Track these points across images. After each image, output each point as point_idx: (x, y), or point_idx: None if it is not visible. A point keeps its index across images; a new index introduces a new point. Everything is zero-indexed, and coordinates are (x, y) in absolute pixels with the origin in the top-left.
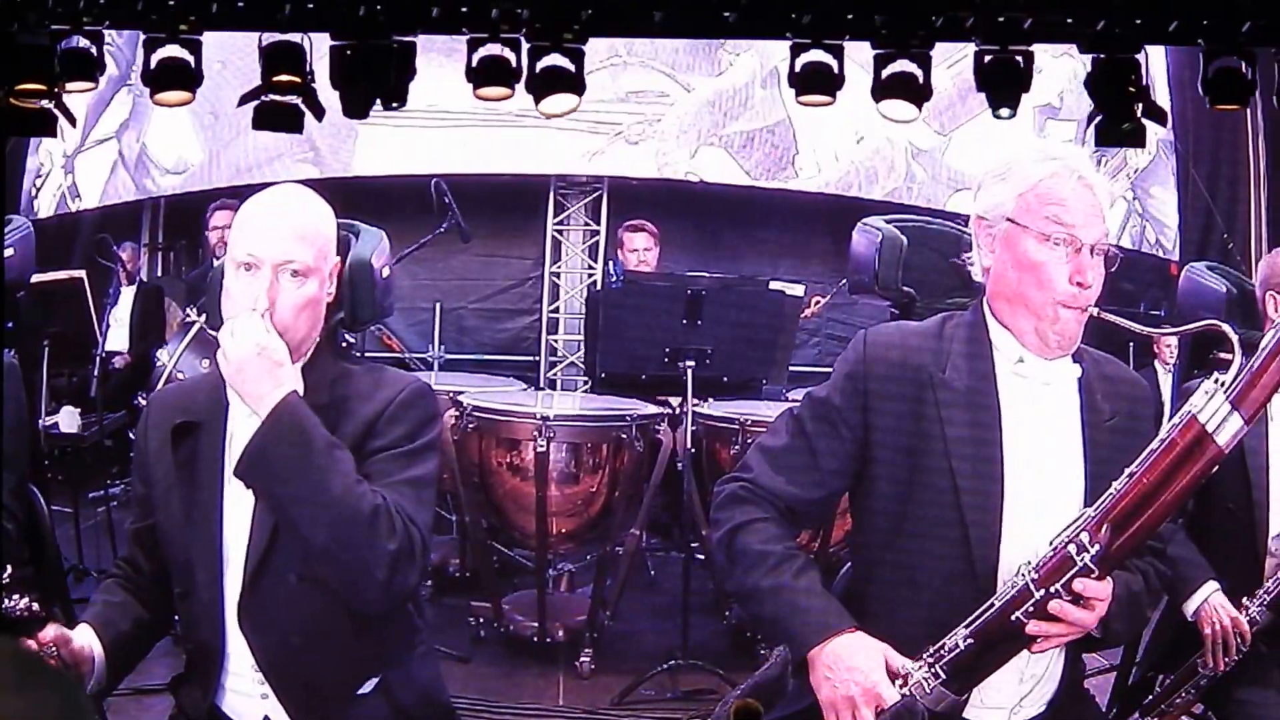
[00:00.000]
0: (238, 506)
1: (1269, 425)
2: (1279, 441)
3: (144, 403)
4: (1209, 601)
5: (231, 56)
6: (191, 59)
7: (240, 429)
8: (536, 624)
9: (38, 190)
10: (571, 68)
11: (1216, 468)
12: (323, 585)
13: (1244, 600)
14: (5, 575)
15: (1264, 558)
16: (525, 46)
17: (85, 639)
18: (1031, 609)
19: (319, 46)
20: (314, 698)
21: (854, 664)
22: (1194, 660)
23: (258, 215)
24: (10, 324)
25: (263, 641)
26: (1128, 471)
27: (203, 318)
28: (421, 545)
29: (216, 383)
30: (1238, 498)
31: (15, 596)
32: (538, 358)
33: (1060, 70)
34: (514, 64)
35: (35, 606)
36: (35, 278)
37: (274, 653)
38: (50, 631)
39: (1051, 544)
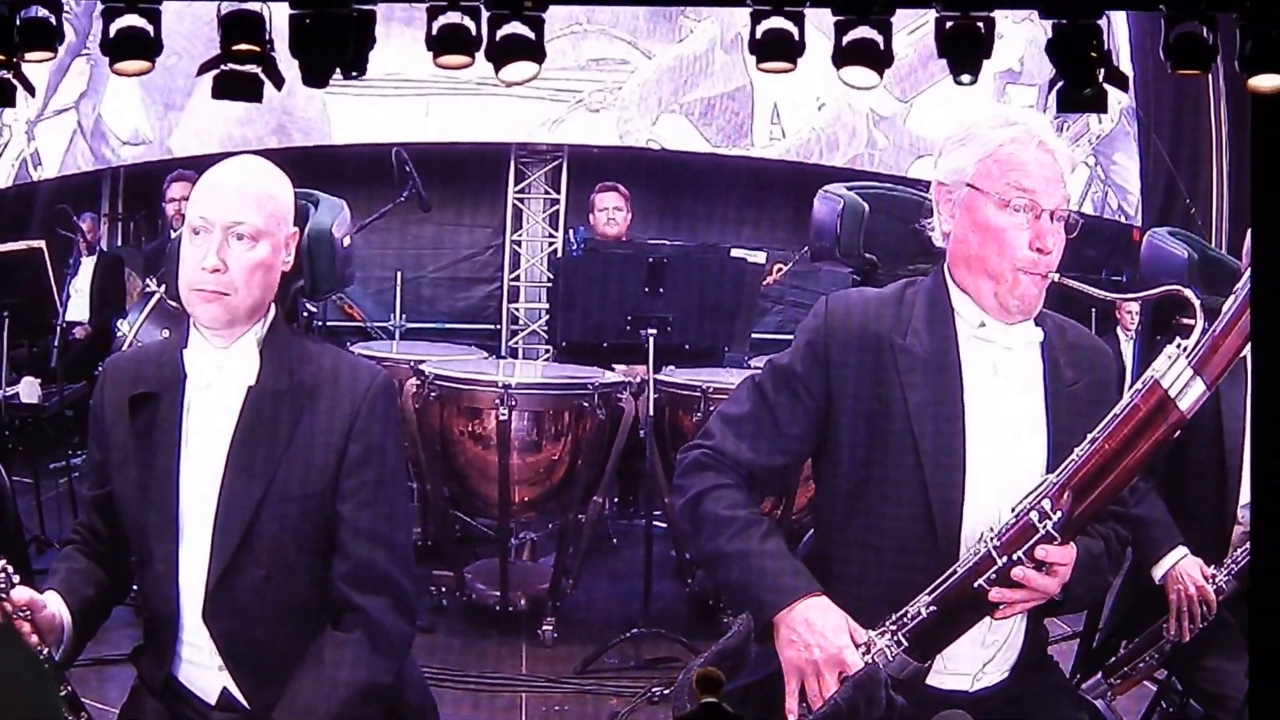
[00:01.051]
0: (195, 477)
1: (1247, 391)
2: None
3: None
4: (1178, 567)
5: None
6: (150, 28)
7: (197, 400)
8: (499, 593)
9: None
10: (532, 35)
11: (1185, 432)
12: (291, 579)
13: (1210, 569)
14: None
15: (1232, 525)
16: (485, 14)
17: (55, 605)
18: (994, 576)
19: (278, 16)
20: (274, 682)
21: (819, 629)
22: (1159, 625)
23: (210, 182)
24: None
25: (227, 632)
26: (1090, 437)
27: (162, 288)
28: (409, 588)
29: (174, 352)
30: (1210, 463)
31: None
32: (499, 326)
33: (1021, 35)
34: (474, 32)
35: (9, 569)
36: None
37: (237, 642)
38: (23, 595)
39: (1014, 511)
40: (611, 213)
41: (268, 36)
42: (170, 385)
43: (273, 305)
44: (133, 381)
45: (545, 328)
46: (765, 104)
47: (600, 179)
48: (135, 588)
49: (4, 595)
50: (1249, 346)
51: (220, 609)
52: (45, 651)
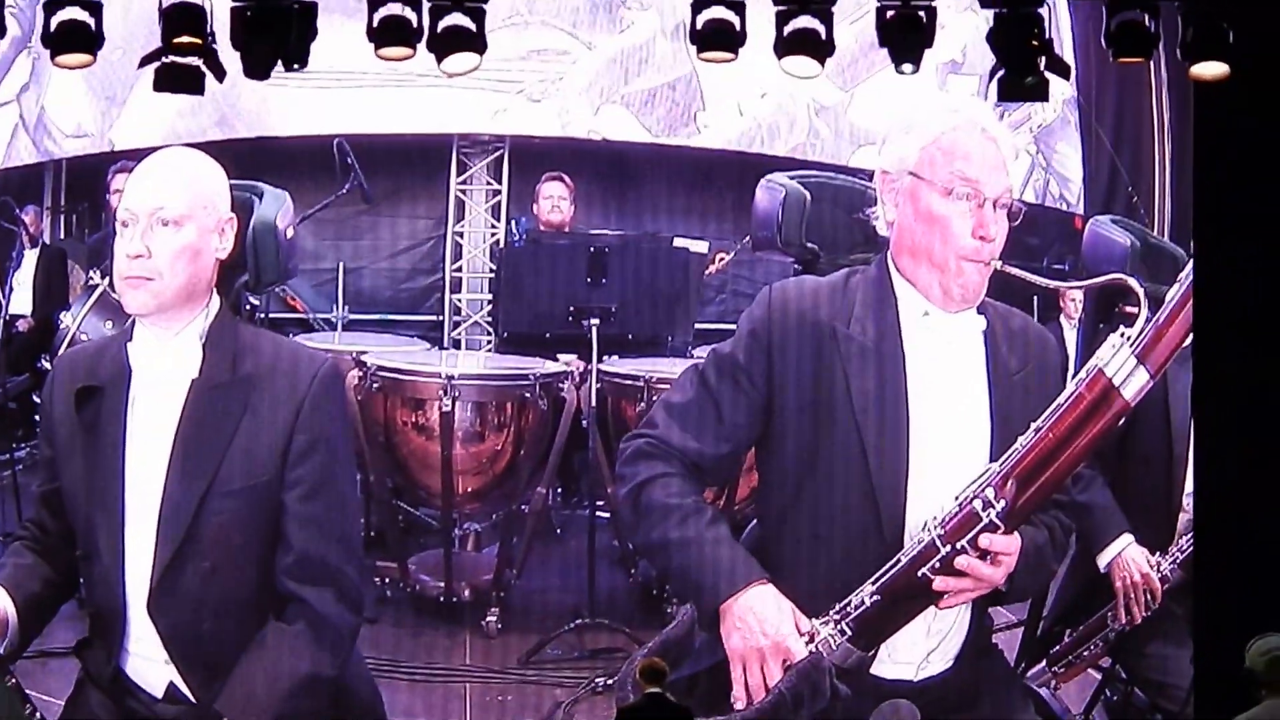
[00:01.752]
0: (140, 471)
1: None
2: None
3: (48, 366)
4: (1123, 554)
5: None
6: (92, 21)
7: (142, 394)
8: (443, 584)
9: None
10: (473, 26)
11: (1133, 420)
12: (236, 571)
13: (1156, 557)
14: None
15: (1178, 514)
16: (426, 6)
17: (0, 601)
18: (938, 565)
19: (220, 8)
20: (221, 675)
21: (764, 617)
22: (1103, 613)
23: (137, 174)
24: None
25: (172, 625)
26: (1033, 426)
27: (106, 280)
28: (355, 579)
29: (120, 347)
30: (1157, 451)
31: None
32: (441, 317)
33: (963, 25)
34: (415, 23)
35: None
36: None
37: (183, 635)
38: None
39: (957, 499)
40: (556, 201)
41: (209, 29)
42: (115, 379)
43: (215, 297)
44: (80, 376)
45: (488, 318)
46: (708, 93)
47: (542, 169)
48: (81, 581)
49: None
50: (1192, 335)
51: (166, 602)
52: None
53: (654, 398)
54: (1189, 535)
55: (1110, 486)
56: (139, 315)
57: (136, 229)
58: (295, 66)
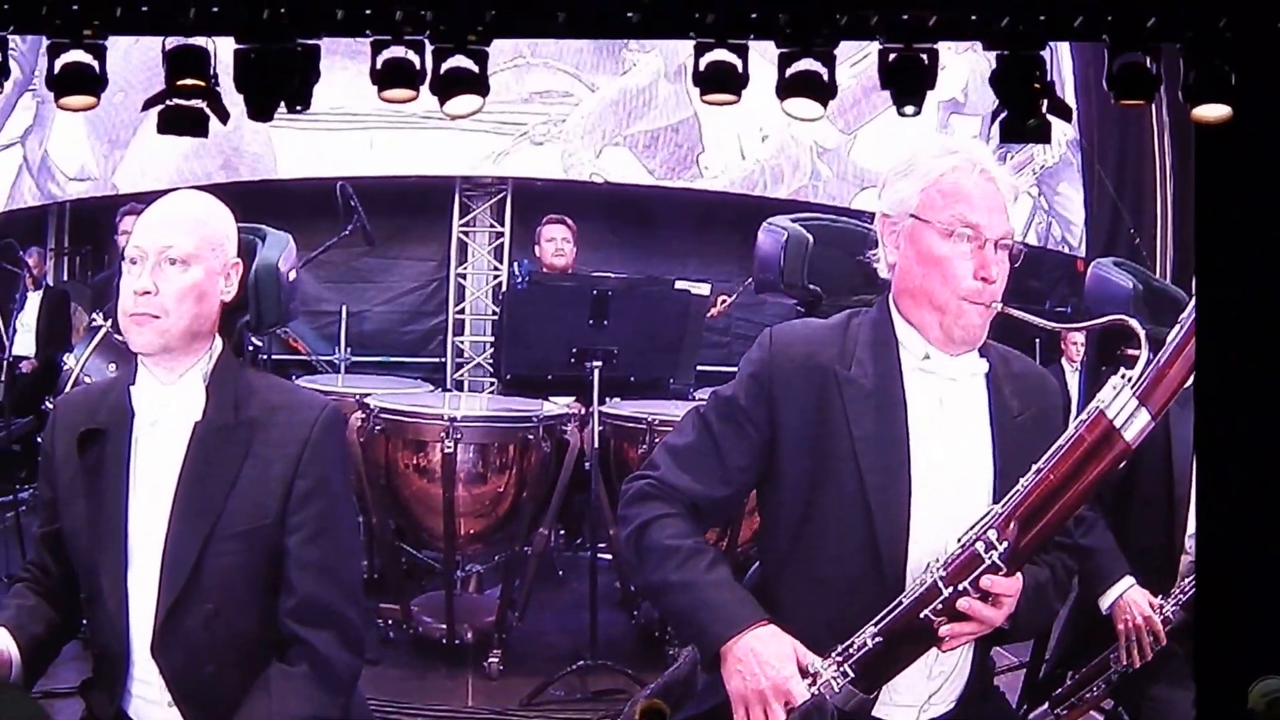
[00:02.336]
0: (143, 513)
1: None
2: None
3: (51, 406)
4: (1125, 597)
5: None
6: (96, 64)
7: (144, 436)
8: (445, 625)
9: None
10: (475, 69)
11: (1134, 462)
12: (239, 614)
13: (1158, 599)
14: None
15: (1180, 555)
16: (429, 48)
17: (3, 642)
18: (940, 606)
19: (223, 51)
20: (223, 717)
21: (766, 659)
22: (1106, 655)
23: (147, 214)
24: None
25: (175, 667)
26: (1035, 468)
27: (109, 322)
28: (356, 622)
29: (122, 389)
30: (1158, 493)
31: None
32: (444, 359)
33: (964, 66)
34: (418, 66)
35: None
36: None
37: (185, 678)
38: None
39: (960, 541)
40: (560, 244)
41: (213, 71)
42: (118, 422)
43: (218, 340)
44: (82, 419)
45: (490, 360)
46: (710, 136)
47: (545, 212)
48: (85, 623)
49: None
50: (1193, 377)
51: (169, 645)
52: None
53: (656, 440)
54: (1191, 577)
55: (1112, 529)
56: (143, 354)
57: (145, 266)
58: (298, 109)
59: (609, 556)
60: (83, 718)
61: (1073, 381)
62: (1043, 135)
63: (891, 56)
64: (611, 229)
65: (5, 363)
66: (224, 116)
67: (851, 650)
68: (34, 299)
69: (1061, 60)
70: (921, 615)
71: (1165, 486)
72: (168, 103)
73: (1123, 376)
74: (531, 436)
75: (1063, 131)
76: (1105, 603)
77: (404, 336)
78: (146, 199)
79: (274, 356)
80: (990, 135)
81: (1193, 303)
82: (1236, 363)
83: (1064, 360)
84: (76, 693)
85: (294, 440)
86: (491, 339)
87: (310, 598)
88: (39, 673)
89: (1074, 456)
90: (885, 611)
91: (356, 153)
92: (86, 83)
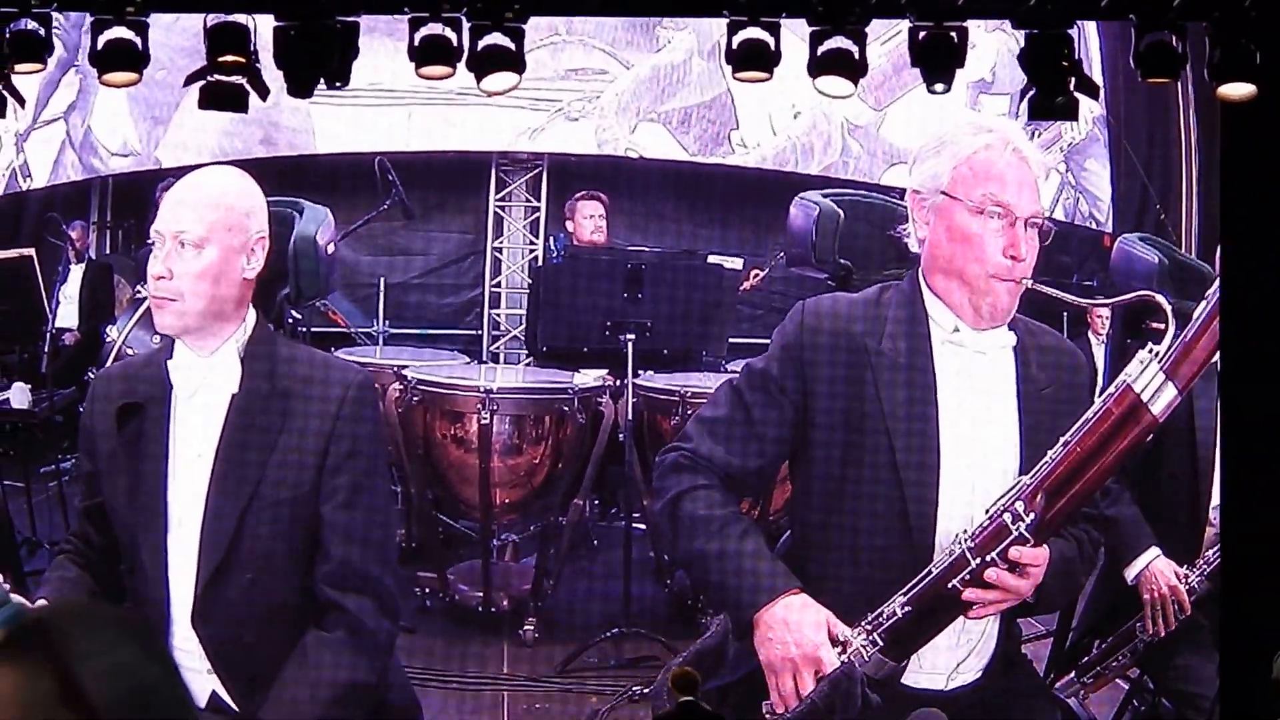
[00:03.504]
0: (182, 485)
1: (1219, 394)
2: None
3: (92, 378)
4: (1151, 567)
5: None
6: (138, 40)
7: (182, 409)
8: (481, 594)
9: None
10: (512, 46)
11: (1159, 434)
12: (278, 583)
13: (1183, 569)
14: None
15: (1204, 527)
16: (466, 25)
17: None
18: (968, 577)
19: (263, 27)
20: (262, 684)
21: (797, 627)
22: (1131, 625)
23: (168, 195)
24: None
25: (215, 638)
26: (1062, 440)
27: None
28: (392, 587)
29: (160, 363)
30: (1183, 465)
31: None
32: (480, 332)
33: (993, 45)
34: (455, 43)
35: (2, 582)
36: None
37: (225, 646)
38: None
39: (988, 512)
40: (597, 220)
41: (253, 48)
42: (156, 395)
43: (252, 313)
44: (120, 393)
45: (526, 333)
46: (742, 113)
47: (580, 187)
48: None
49: None
50: (1219, 351)
51: (209, 613)
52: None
53: (689, 412)
54: (1216, 548)
55: (1137, 501)
56: (167, 334)
57: (162, 250)
58: (338, 85)
59: (643, 526)
60: None
61: (1099, 355)
62: (1071, 113)
63: (921, 34)
64: (645, 204)
65: (49, 335)
66: (264, 92)
67: (881, 619)
68: (77, 272)
69: (1089, 38)
70: (950, 585)
71: (1189, 459)
72: (208, 78)
73: (1149, 351)
74: (566, 408)
75: (1090, 108)
76: (1131, 573)
77: (441, 309)
78: (187, 173)
79: (313, 329)
80: (1018, 113)
81: (1218, 277)
82: (1262, 336)
83: (1090, 334)
84: None
85: (328, 409)
86: (526, 312)
87: (345, 563)
88: None
89: (1101, 430)
90: (914, 581)
91: (395, 128)
92: (129, 59)
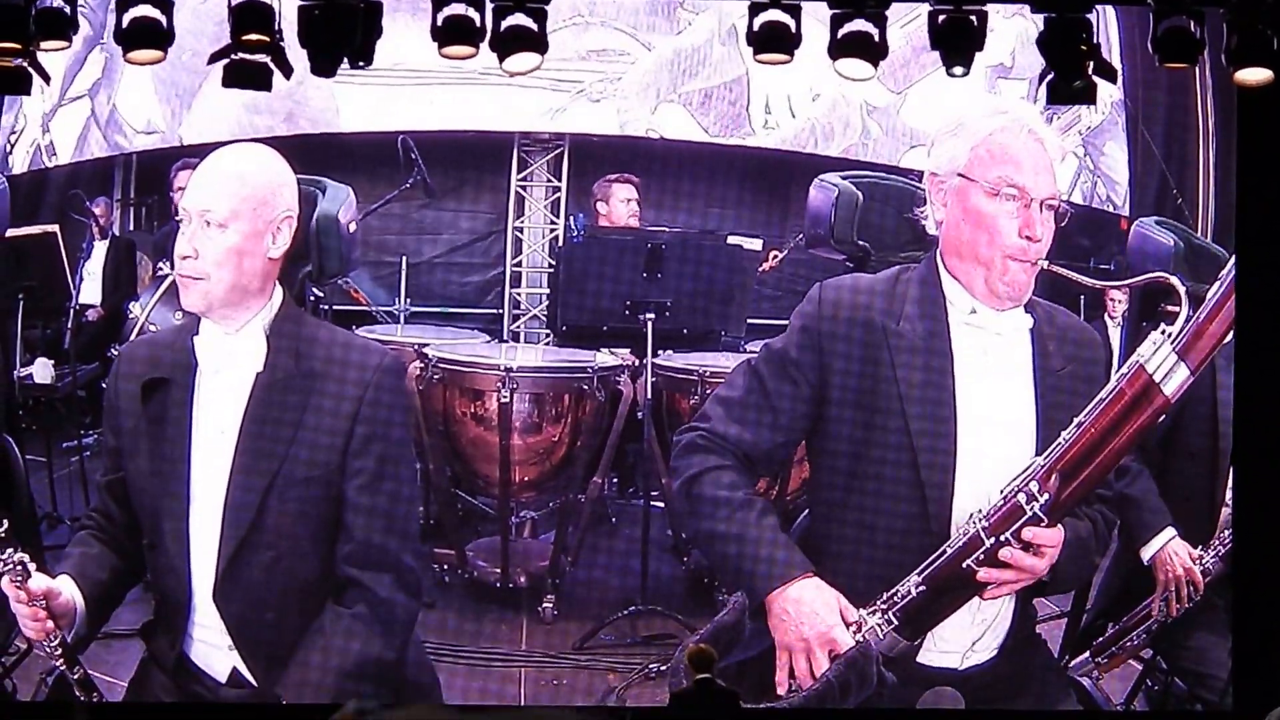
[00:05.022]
0: (205, 462)
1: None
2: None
3: (116, 353)
4: (1167, 548)
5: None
6: (163, 18)
7: (207, 386)
8: (500, 570)
9: (12, 146)
10: (535, 27)
11: (1179, 415)
12: (300, 561)
13: (1198, 550)
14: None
15: (1220, 507)
16: (489, 6)
17: (69, 591)
18: (982, 556)
19: (287, 6)
20: (283, 660)
21: (810, 609)
22: (1145, 605)
23: (194, 175)
24: None
25: (236, 615)
26: (1076, 421)
27: (175, 271)
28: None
29: (185, 339)
30: (1202, 446)
31: (8, 551)
32: (501, 311)
33: (1011, 30)
34: (478, 23)
35: (26, 560)
36: (9, 232)
37: (246, 623)
38: (40, 584)
39: (1002, 493)
40: (633, 205)
41: (277, 26)
42: (181, 371)
43: (278, 290)
44: (145, 368)
45: (546, 312)
46: (762, 95)
47: (601, 168)
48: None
49: (21, 584)
50: (1233, 333)
51: (231, 590)
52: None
53: (707, 391)
54: (1230, 529)
55: (1155, 480)
56: (193, 312)
57: (188, 230)
58: (361, 64)
59: (661, 504)
60: (143, 660)
61: (1115, 336)
62: (1089, 97)
63: (941, 18)
64: (665, 184)
65: (72, 311)
66: (287, 71)
67: (896, 598)
68: (100, 248)
69: (1108, 23)
70: (965, 565)
71: (1210, 439)
72: (233, 57)
73: (1163, 332)
74: (586, 387)
75: (1108, 92)
76: (1147, 554)
77: (463, 288)
78: (208, 151)
79: (335, 307)
80: (1037, 97)
81: (1233, 260)
82: (1276, 318)
83: (1106, 316)
84: (137, 634)
85: (353, 389)
86: (547, 291)
87: (368, 543)
88: (103, 619)
89: (1114, 410)
90: (929, 560)
91: (417, 107)
92: (154, 37)
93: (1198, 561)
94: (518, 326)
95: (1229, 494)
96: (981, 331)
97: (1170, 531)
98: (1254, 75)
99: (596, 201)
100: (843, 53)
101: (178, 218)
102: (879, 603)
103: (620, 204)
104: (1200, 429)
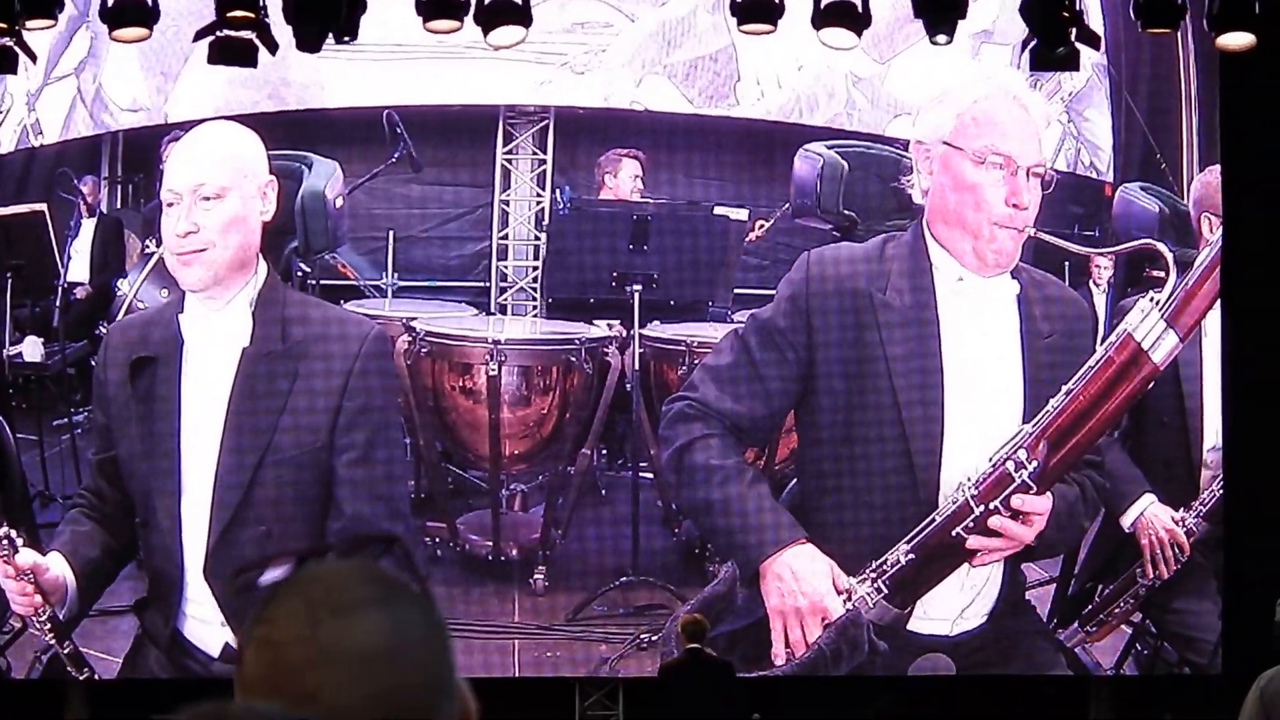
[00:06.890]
0: (195, 438)
1: (1202, 340)
2: (1212, 356)
3: (105, 332)
4: (1146, 513)
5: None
6: None
7: (194, 363)
8: (491, 543)
9: None
10: (518, 0)
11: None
12: (291, 536)
13: (1180, 512)
14: None
15: (1199, 469)
16: None
17: (58, 567)
18: (971, 524)
19: None
20: None
21: (803, 576)
22: (1132, 570)
23: (174, 156)
24: None
25: (228, 589)
26: (1065, 389)
27: (162, 248)
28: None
29: (171, 316)
30: (1171, 411)
31: None
32: (488, 284)
33: None
34: None
35: (14, 535)
36: None
37: (238, 600)
38: (27, 559)
39: (991, 461)
40: (637, 181)
41: (262, 3)
42: (168, 349)
43: (262, 264)
44: (133, 346)
45: (534, 285)
46: (747, 65)
47: (587, 140)
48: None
49: (8, 559)
50: (1220, 299)
51: (222, 567)
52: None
53: (695, 362)
54: (1211, 489)
55: (1130, 450)
56: (196, 290)
57: (182, 208)
58: (345, 39)
59: (650, 475)
60: (138, 636)
61: (1100, 303)
62: (1072, 63)
63: None
64: (651, 156)
65: (60, 289)
66: (273, 47)
67: (885, 567)
68: (88, 226)
69: None
70: (954, 532)
71: (1177, 402)
72: (218, 34)
73: (1150, 300)
74: (574, 359)
75: (1090, 57)
76: (1127, 521)
77: (450, 261)
78: (194, 127)
79: (323, 282)
80: (1020, 64)
81: (1220, 227)
82: (1262, 284)
83: (1091, 283)
84: (131, 610)
85: (341, 364)
86: (534, 264)
87: (359, 517)
88: (95, 597)
89: (1103, 378)
90: (918, 529)
91: (402, 82)
92: (139, 15)
93: (1180, 524)
94: (505, 299)
95: (1209, 455)
96: (968, 299)
97: (1149, 497)
98: (1236, 40)
99: (604, 174)
100: (827, 22)
101: (164, 200)
102: (869, 571)
103: (628, 179)
104: (1164, 396)
